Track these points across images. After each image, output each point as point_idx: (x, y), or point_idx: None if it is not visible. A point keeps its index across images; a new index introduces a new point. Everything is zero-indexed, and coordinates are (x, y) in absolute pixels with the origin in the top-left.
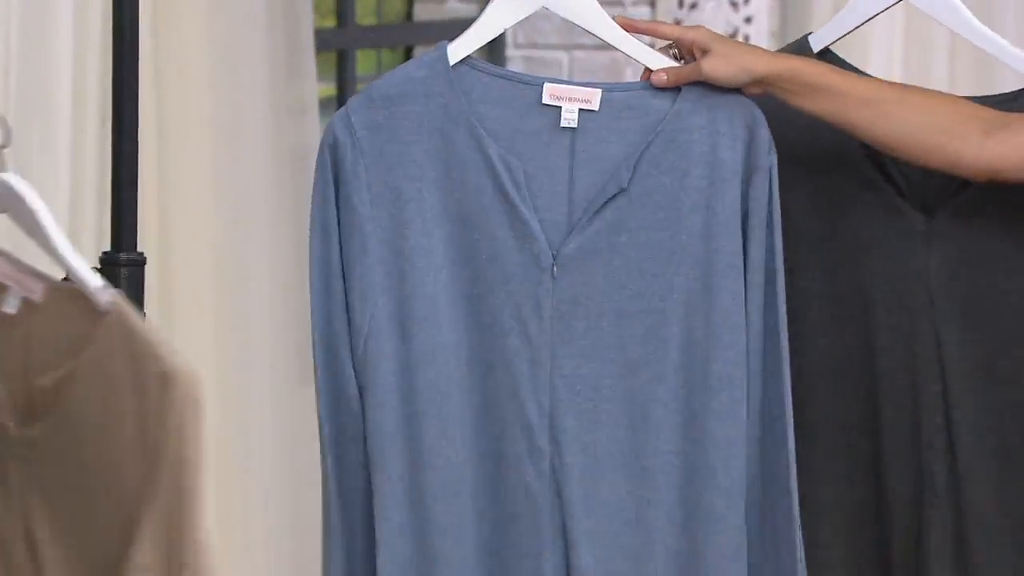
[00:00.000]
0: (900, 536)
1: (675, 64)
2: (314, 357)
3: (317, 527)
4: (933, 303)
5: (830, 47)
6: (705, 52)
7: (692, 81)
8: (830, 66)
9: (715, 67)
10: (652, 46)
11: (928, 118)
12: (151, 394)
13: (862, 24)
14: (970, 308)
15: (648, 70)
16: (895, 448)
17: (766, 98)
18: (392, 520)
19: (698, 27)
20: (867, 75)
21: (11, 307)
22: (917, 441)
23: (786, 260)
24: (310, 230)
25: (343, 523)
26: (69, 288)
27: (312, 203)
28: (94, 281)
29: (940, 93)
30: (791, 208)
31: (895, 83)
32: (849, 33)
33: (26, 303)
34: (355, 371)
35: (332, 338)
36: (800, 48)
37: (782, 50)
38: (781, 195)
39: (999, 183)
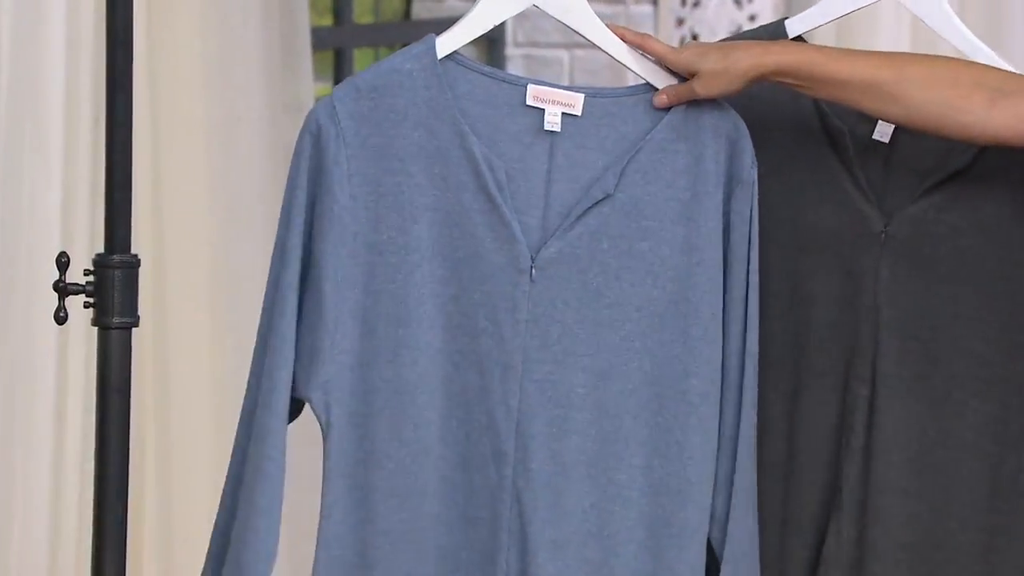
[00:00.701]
0: (802, 540)
1: (659, 68)
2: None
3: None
4: (878, 307)
5: (804, 36)
6: (694, 74)
7: (690, 100)
8: (822, 51)
9: (708, 88)
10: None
11: (929, 95)
12: None
13: (844, 16)
14: (913, 318)
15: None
16: (811, 449)
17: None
18: (334, 517)
19: (682, 50)
20: (853, 52)
21: None
22: (835, 442)
23: None
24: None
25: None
26: None
27: (285, 187)
28: None
29: (939, 60)
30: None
31: (891, 57)
32: (828, 23)
33: None
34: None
35: (267, 331)
36: (775, 33)
37: (757, 31)
38: None
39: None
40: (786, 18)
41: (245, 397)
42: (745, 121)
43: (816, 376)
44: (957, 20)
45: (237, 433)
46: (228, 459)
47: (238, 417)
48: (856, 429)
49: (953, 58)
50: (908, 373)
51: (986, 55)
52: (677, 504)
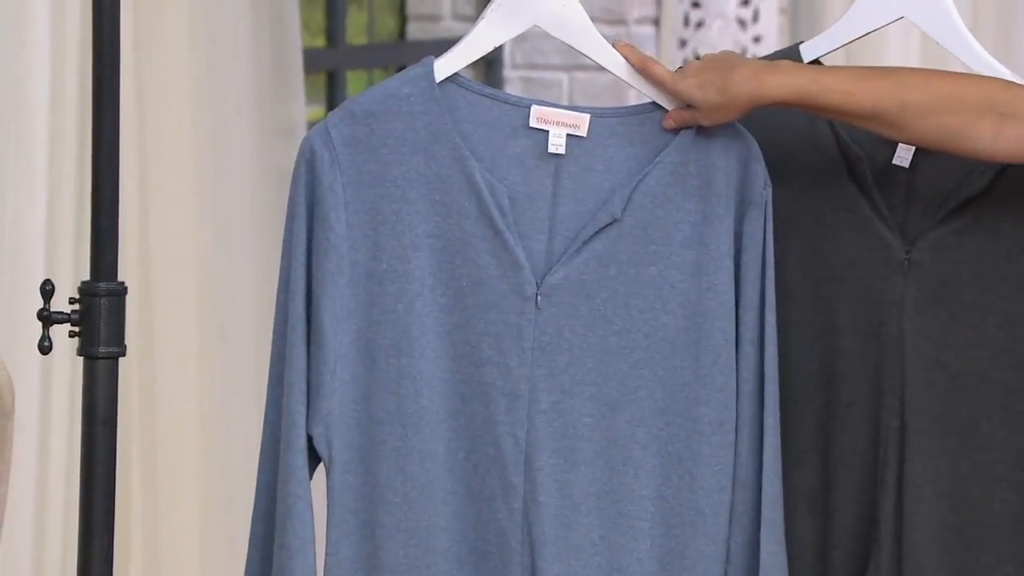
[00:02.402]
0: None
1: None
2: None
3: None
4: (903, 337)
5: (820, 59)
6: (695, 107)
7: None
8: (820, 80)
9: (711, 119)
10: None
11: (934, 123)
12: None
13: (857, 39)
14: (939, 347)
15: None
16: (846, 482)
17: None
18: (340, 554)
19: (682, 77)
20: (855, 75)
21: None
22: (870, 475)
23: None
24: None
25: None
26: None
27: (285, 217)
28: None
29: (945, 81)
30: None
31: (893, 81)
32: (843, 47)
33: None
34: (312, 398)
35: (280, 365)
36: (789, 57)
37: (772, 55)
38: None
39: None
40: (801, 43)
41: (263, 432)
42: (760, 147)
43: (845, 408)
44: (971, 39)
45: (260, 470)
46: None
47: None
48: (889, 463)
49: (959, 75)
50: (936, 404)
51: (1000, 75)
52: (689, 536)
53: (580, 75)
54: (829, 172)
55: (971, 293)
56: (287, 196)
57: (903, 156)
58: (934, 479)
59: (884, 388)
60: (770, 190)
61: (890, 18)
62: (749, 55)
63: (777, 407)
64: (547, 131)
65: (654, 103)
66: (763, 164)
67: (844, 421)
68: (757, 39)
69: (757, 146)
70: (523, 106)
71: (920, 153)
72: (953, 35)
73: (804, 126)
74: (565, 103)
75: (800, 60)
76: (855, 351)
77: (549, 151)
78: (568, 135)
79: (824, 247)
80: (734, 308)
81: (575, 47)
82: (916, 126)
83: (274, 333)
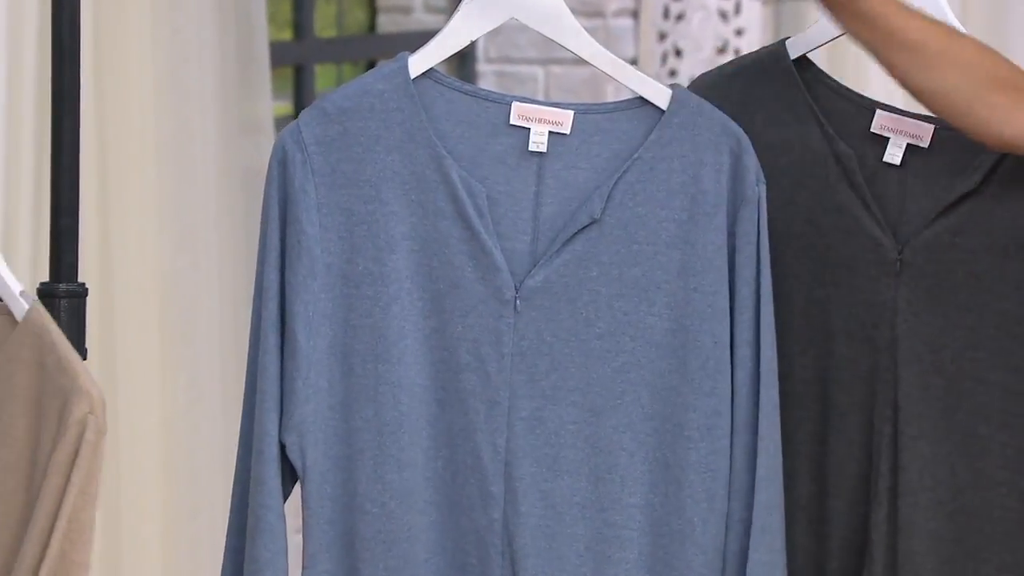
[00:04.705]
0: None
1: (650, 80)
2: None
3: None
4: (896, 339)
5: (807, 55)
6: None
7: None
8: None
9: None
10: (636, 59)
11: (964, 79)
12: (50, 411)
13: (843, 34)
14: (934, 350)
15: None
16: (842, 492)
17: (730, 95)
18: (318, 567)
19: None
20: (919, 13)
21: None
22: (864, 484)
23: None
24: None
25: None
26: None
27: (260, 219)
28: (13, 286)
29: (990, 52)
30: None
31: (947, 29)
32: (830, 41)
33: None
34: (286, 405)
35: (254, 371)
36: (776, 53)
37: (759, 53)
38: None
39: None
40: (787, 38)
41: (238, 442)
42: (758, 151)
43: (840, 415)
44: (962, 29)
45: (234, 481)
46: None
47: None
48: (882, 471)
49: (994, 52)
50: (931, 409)
51: None
52: (678, 545)
53: (556, 69)
54: (819, 171)
55: (966, 293)
56: (253, 195)
57: (894, 153)
58: (931, 486)
59: (877, 393)
60: (763, 186)
61: None
62: (731, 48)
63: (776, 411)
64: (528, 128)
65: (640, 97)
66: (755, 158)
67: (840, 429)
68: (739, 32)
69: (748, 139)
70: (504, 103)
71: (912, 150)
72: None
73: (790, 123)
74: (541, 98)
75: (786, 57)
76: (849, 356)
77: (530, 149)
78: (551, 132)
79: (816, 249)
80: (726, 309)
81: (556, 40)
82: (948, 74)
83: (250, 339)
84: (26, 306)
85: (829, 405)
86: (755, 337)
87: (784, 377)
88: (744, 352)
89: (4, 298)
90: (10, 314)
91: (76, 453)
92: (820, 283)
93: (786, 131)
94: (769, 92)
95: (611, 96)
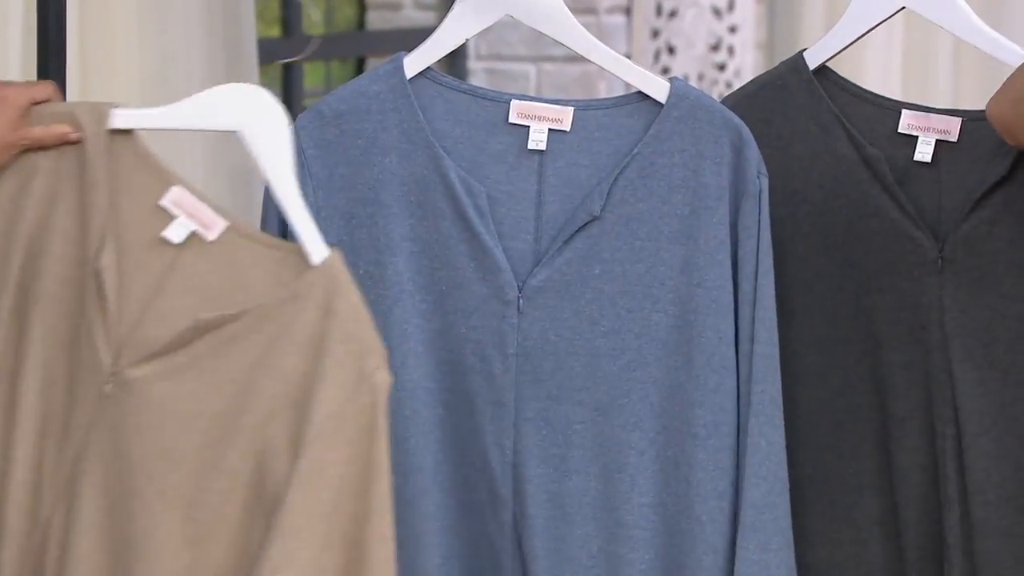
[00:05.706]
0: None
1: (649, 74)
2: None
3: None
4: (946, 339)
5: (827, 64)
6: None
7: None
8: None
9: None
10: (628, 56)
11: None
12: (336, 356)
13: (862, 36)
14: (986, 343)
15: None
16: (911, 501)
17: (752, 113)
18: None
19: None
20: None
21: (176, 236)
22: (934, 490)
23: (781, 298)
24: None
25: None
26: (260, 237)
27: (259, 226)
28: (311, 235)
29: None
30: (788, 238)
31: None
32: (848, 47)
33: (195, 237)
34: None
35: None
36: (795, 66)
37: (778, 69)
38: (776, 223)
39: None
40: (805, 49)
41: None
42: (781, 163)
43: (899, 422)
44: (979, 21)
45: None
46: None
47: None
48: (948, 474)
49: None
50: (991, 405)
51: (1012, 51)
52: (688, 545)
53: (548, 66)
54: (851, 177)
55: (1009, 282)
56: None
57: (924, 151)
58: (999, 482)
59: (934, 396)
60: (765, 179)
61: (890, 11)
62: (724, 45)
63: (774, 409)
64: (527, 127)
65: (640, 92)
66: (756, 150)
67: (901, 438)
68: (733, 29)
69: (749, 132)
70: (502, 101)
71: (941, 145)
72: (960, 20)
73: (817, 133)
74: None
75: (806, 69)
76: (902, 362)
77: (530, 147)
78: (550, 130)
79: (857, 256)
80: (730, 304)
81: (551, 36)
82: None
83: None
84: (326, 252)
85: (888, 414)
86: (754, 332)
87: (841, 392)
88: (747, 348)
89: (304, 241)
90: (303, 256)
91: (375, 411)
92: (867, 291)
93: (814, 143)
94: (792, 106)
95: (604, 93)
